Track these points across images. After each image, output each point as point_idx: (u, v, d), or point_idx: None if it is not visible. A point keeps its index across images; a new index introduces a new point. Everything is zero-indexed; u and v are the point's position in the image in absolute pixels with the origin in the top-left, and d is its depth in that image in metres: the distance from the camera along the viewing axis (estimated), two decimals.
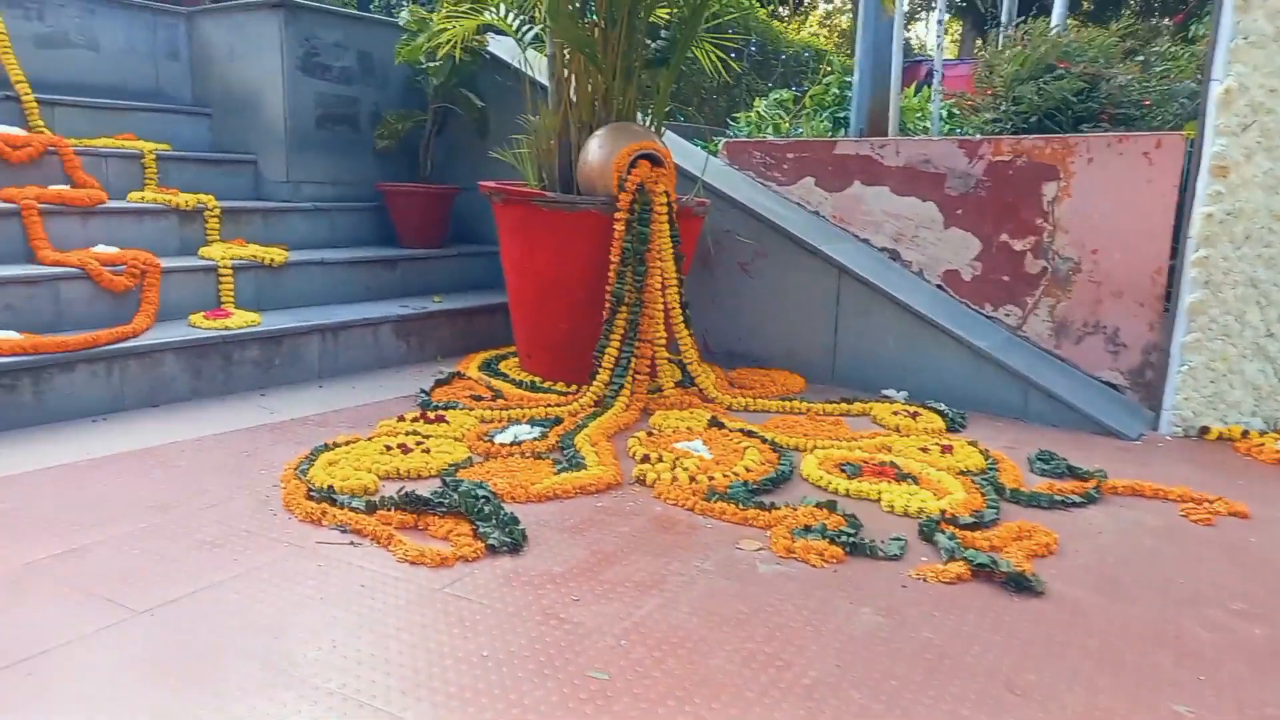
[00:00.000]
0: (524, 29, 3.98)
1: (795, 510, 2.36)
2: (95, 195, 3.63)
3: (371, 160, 4.72)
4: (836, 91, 6.70)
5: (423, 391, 3.45)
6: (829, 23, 21.74)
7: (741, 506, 2.38)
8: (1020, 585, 2.01)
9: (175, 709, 1.47)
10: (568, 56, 3.66)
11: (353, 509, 2.26)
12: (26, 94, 3.96)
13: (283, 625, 1.75)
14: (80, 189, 3.67)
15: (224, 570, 1.97)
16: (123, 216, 3.70)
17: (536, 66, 4.13)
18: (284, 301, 3.89)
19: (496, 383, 3.59)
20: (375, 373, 3.82)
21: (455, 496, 2.30)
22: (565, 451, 2.80)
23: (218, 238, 3.97)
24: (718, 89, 8.29)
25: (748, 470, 2.65)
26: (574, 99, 3.69)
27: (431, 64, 4.43)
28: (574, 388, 3.51)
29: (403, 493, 2.30)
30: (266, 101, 4.40)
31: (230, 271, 3.68)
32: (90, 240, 3.56)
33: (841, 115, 6.39)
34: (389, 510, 2.26)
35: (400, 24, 4.57)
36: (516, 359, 3.92)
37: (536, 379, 3.64)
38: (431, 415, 3.08)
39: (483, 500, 2.30)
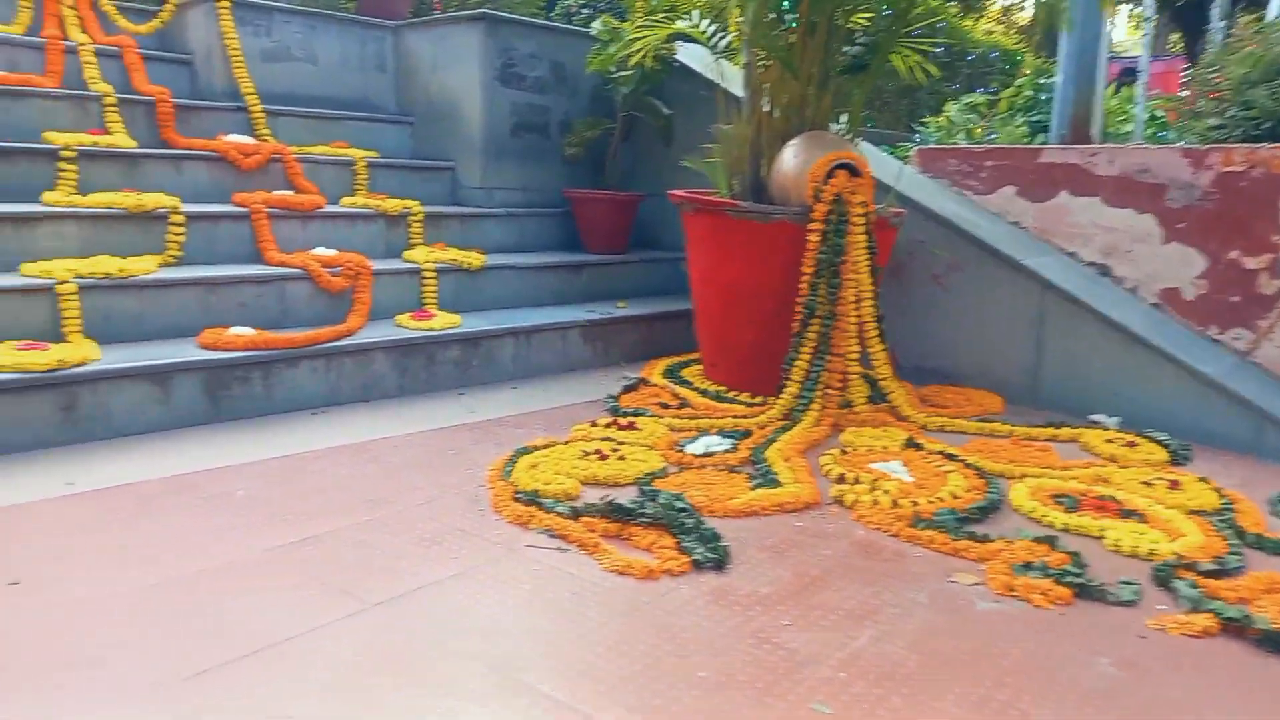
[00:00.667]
0: (717, 37, 3.97)
1: (1011, 544, 2.24)
2: (314, 200, 3.88)
3: (559, 167, 4.83)
4: (1030, 94, 6.36)
5: (611, 397, 3.50)
6: (1006, 19, 20.73)
7: (952, 536, 2.27)
8: (1279, 645, 1.82)
9: (416, 706, 1.53)
10: (762, 64, 3.62)
11: (558, 514, 2.31)
12: (255, 105, 4.28)
13: (504, 628, 1.79)
14: (301, 194, 3.93)
15: (443, 568, 2.05)
16: (337, 220, 3.94)
17: (727, 74, 4.11)
18: (479, 304, 4.03)
19: (682, 390, 3.60)
20: (563, 375, 3.90)
21: (656, 508, 2.31)
22: (758, 466, 2.77)
23: (420, 241, 4.16)
24: (899, 92, 8.04)
25: (954, 497, 2.53)
26: (767, 107, 3.65)
27: (622, 73, 4.49)
28: (760, 399, 3.47)
29: (606, 501, 2.33)
30: (465, 110, 4.58)
31: (433, 274, 3.85)
32: (309, 242, 3.80)
33: (1036, 119, 6.06)
34: (593, 517, 2.29)
35: (592, 34, 4.66)
36: (700, 367, 3.91)
37: (722, 389, 3.62)
38: (623, 422, 3.11)
39: (684, 513, 2.29)
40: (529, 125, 4.69)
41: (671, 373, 3.91)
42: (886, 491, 2.53)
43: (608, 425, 3.09)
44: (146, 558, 2.02)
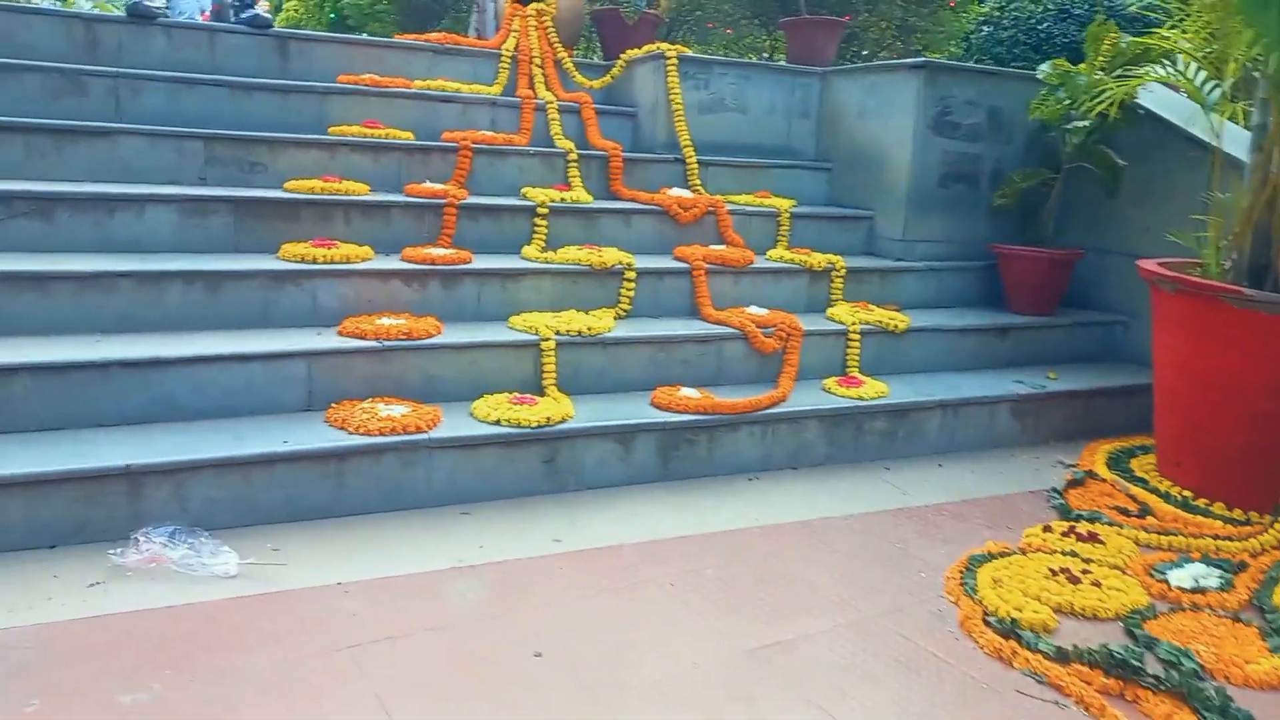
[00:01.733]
0: (1209, 87, 3.48)
1: None
2: (745, 256, 3.97)
3: (983, 218, 4.55)
4: None
5: (1055, 492, 3.21)
6: None
7: None
8: None
9: None
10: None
11: (1042, 654, 2.12)
12: (690, 157, 4.48)
13: None
14: (733, 248, 4.04)
15: (928, 702, 1.96)
16: (764, 276, 3.99)
17: (1217, 129, 3.58)
18: (899, 366, 3.90)
19: (1138, 491, 3.21)
20: (989, 453, 3.65)
21: (1167, 671, 2.04)
22: (1270, 617, 2.37)
23: (840, 297, 4.11)
24: None
25: None
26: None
27: (1077, 123, 4.09)
28: (1244, 515, 3.00)
29: (1103, 649, 2.10)
30: (891, 159, 4.45)
31: (858, 336, 3.78)
32: (740, 298, 3.89)
33: None
34: (1086, 666, 2.07)
35: (1038, 78, 4.31)
36: (1150, 458, 3.48)
37: (1187, 494, 3.18)
38: (1082, 531, 2.83)
39: (1200, 679, 2.01)
40: (957, 175, 4.46)
41: (1117, 463, 3.51)
42: None
43: (1064, 534, 2.82)
44: (647, 640, 2.14)
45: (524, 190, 4.03)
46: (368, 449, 2.67)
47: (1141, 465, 3.49)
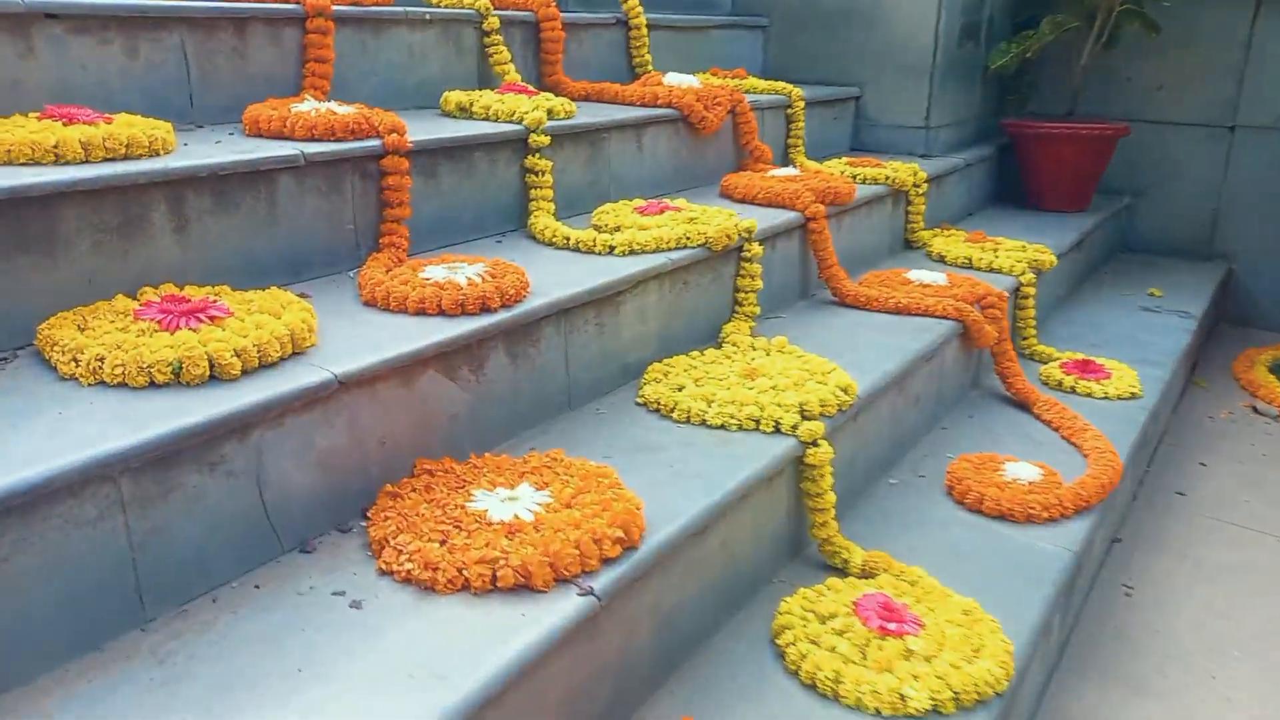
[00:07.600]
0: None
1: None
2: (849, 188, 2.35)
3: (978, 87, 3.40)
4: None
5: None
6: None
7: None
8: None
9: None
10: None
11: None
12: (638, 15, 2.66)
13: None
14: (834, 178, 2.39)
15: None
16: (858, 212, 2.45)
17: None
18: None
19: None
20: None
21: None
22: None
23: (921, 226, 2.74)
24: None
25: None
26: None
27: None
28: None
29: None
30: (895, 12, 3.05)
31: (1032, 289, 2.47)
32: (845, 252, 2.32)
33: None
34: None
35: None
36: None
37: None
38: None
39: None
40: (969, 29, 3.21)
41: None
42: None
43: None
44: None
45: (452, 98, 1.98)
46: None
47: None
